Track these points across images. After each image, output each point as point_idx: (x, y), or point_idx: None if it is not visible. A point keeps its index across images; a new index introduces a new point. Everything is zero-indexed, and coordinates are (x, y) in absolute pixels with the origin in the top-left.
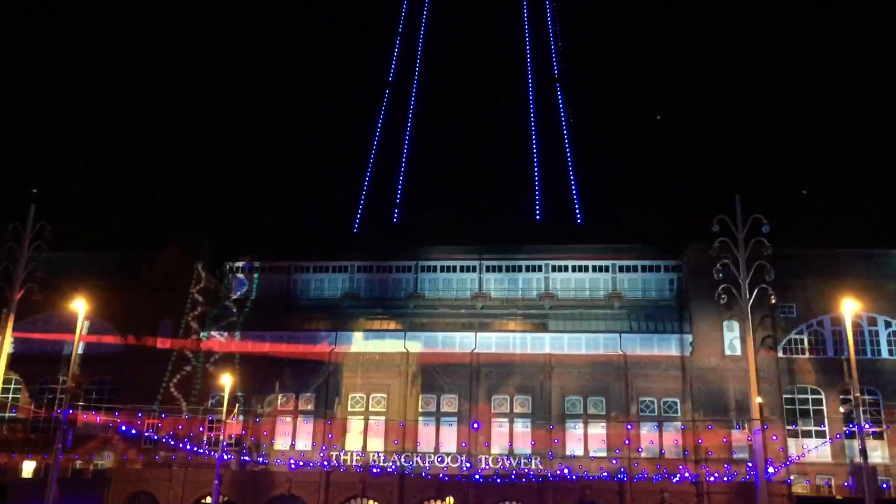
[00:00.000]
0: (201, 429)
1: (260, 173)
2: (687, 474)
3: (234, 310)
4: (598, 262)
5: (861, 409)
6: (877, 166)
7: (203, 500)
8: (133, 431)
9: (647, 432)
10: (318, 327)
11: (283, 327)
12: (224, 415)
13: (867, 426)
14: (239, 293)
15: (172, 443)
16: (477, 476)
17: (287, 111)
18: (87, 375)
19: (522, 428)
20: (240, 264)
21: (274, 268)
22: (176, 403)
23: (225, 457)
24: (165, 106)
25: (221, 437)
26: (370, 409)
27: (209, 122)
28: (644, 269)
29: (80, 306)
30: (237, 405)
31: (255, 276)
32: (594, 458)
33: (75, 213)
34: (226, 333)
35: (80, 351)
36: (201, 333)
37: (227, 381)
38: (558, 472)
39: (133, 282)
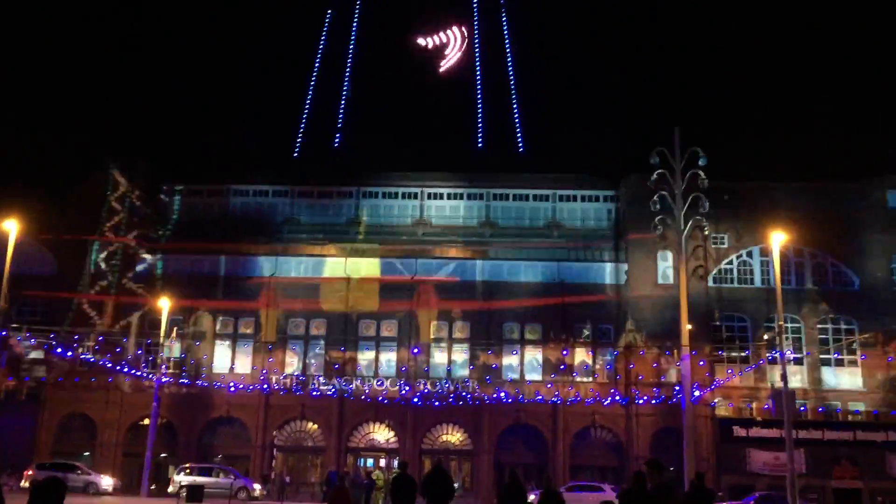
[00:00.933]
0: (140, 351)
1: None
2: (618, 397)
3: (172, 232)
4: (538, 192)
5: (783, 336)
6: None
7: (141, 423)
8: (68, 353)
9: (581, 359)
10: (259, 252)
11: (222, 251)
12: (161, 337)
13: (789, 352)
14: (176, 216)
15: (109, 365)
16: (415, 399)
17: (228, 31)
18: (19, 296)
19: (461, 353)
20: (178, 187)
21: (212, 191)
22: (112, 326)
23: (163, 379)
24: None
25: (160, 360)
26: (310, 333)
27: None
28: (584, 198)
29: (11, 226)
30: (175, 328)
31: (193, 199)
32: (530, 382)
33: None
34: (163, 255)
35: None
36: (138, 254)
37: (164, 303)
38: (495, 395)
39: (66, 203)
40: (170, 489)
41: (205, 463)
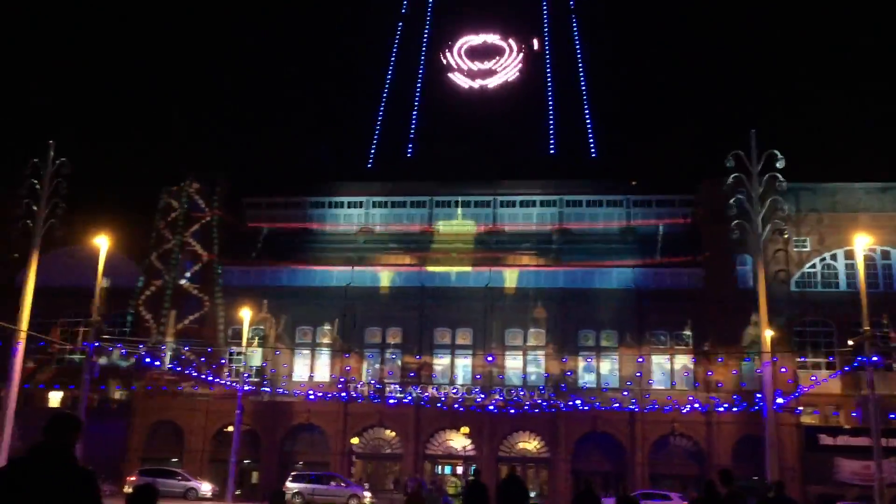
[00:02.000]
0: (223, 361)
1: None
2: (697, 405)
3: (252, 245)
4: (611, 197)
5: (870, 341)
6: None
7: (225, 429)
8: (157, 363)
9: (658, 365)
10: (335, 262)
11: (299, 262)
12: (244, 347)
13: (875, 358)
14: (256, 229)
15: (195, 374)
16: (491, 407)
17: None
18: (110, 309)
19: (536, 361)
20: (256, 200)
21: (289, 203)
22: (198, 336)
23: (246, 388)
24: (178, 41)
25: (242, 369)
26: (386, 342)
27: (222, 57)
28: (659, 203)
29: (102, 242)
30: (256, 338)
31: (272, 211)
32: (606, 389)
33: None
34: (244, 268)
35: (103, 285)
36: (219, 268)
37: (245, 314)
38: (570, 403)
39: (151, 216)
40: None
41: (316, 471)
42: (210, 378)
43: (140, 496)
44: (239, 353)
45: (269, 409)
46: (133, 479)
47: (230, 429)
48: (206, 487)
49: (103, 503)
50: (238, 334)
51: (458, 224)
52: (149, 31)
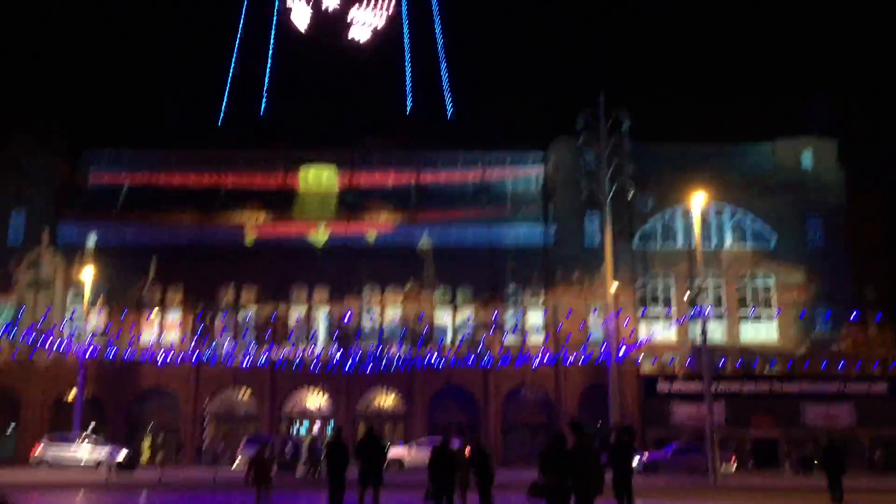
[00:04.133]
0: (63, 324)
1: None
2: (546, 358)
3: (94, 200)
4: (467, 155)
5: (703, 293)
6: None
7: (66, 398)
8: None
9: (510, 321)
10: (184, 220)
11: (146, 219)
12: (85, 308)
13: (708, 308)
14: (98, 183)
15: (31, 338)
16: (348, 365)
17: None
18: None
19: (393, 317)
20: (98, 153)
21: (135, 158)
22: (34, 297)
23: (88, 351)
24: None
25: (83, 332)
26: (240, 300)
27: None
28: (512, 161)
29: None
30: (99, 299)
31: (114, 166)
32: (461, 344)
33: None
34: (85, 224)
35: None
36: (58, 224)
37: (87, 273)
38: (426, 359)
39: None
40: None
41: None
42: (48, 343)
43: None
44: (81, 315)
45: (114, 374)
46: (39, 447)
47: (72, 396)
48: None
49: None
50: (79, 295)
51: (315, 181)
52: None
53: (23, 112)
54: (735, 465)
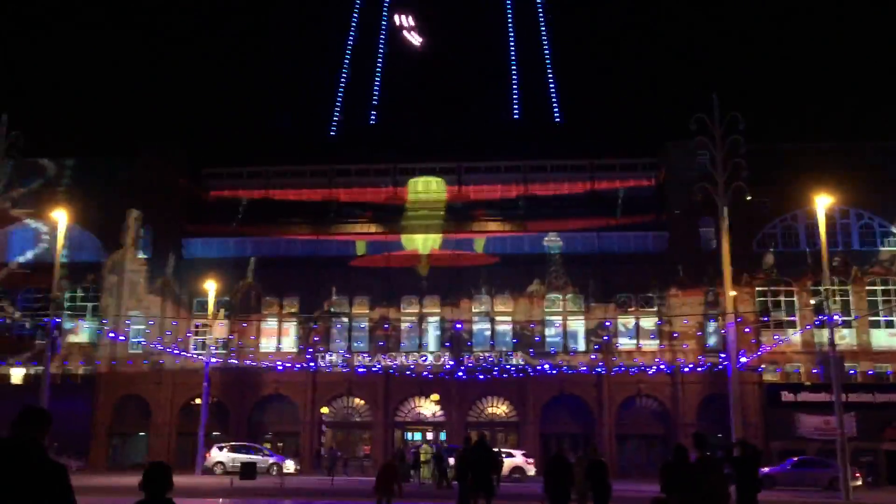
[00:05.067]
0: (189, 333)
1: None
2: (662, 366)
3: (214, 216)
4: (576, 162)
5: (830, 299)
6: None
7: (192, 402)
8: (121, 337)
9: (624, 327)
10: (299, 232)
11: (264, 232)
12: (210, 319)
13: (836, 316)
14: (218, 199)
15: (160, 347)
16: (460, 373)
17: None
18: (71, 283)
19: (504, 326)
20: (217, 170)
21: (252, 173)
22: (162, 307)
23: (212, 360)
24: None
25: (208, 341)
26: (353, 311)
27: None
28: (623, 167)
29: (60, 216)
30: (222, 309)
31: (232, 181)
32: (574, 352)
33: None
34: (207, 239)
35: (62, 260)
36: (181, 240)
37: (210, 286)
38: (538, 367)
39: (108, 188)
40: (206, 464)
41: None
42: (176, 351)
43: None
44: (205, 325)
45: (236, 381)
46: (214, 453)
47: (198, 401)
48: (290, 464)
49: (75, 498)
50: (203, 306)
51: (424, 192)
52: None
53: (146, 131)
54: (860, 480)
